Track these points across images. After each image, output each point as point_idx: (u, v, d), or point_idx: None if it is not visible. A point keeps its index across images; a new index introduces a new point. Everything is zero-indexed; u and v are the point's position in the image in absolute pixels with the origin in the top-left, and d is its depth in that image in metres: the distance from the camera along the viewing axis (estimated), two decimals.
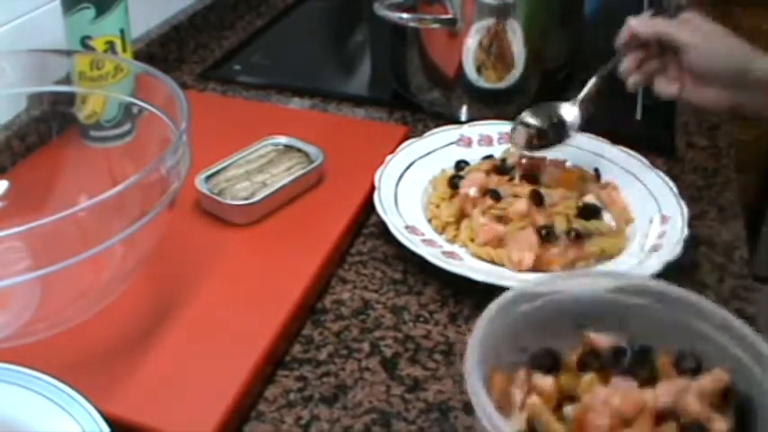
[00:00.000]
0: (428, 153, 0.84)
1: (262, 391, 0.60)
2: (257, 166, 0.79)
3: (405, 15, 0.89)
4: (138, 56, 0.87)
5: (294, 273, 0.68)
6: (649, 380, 0.51)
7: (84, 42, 0.79)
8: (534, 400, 0.50)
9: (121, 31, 0.80)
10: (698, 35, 0.73)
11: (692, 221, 0.74)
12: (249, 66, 1.07)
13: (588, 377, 0.51)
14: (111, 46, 0.80)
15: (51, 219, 0.51)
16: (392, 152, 0.82)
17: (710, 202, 0.82)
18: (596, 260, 0.71)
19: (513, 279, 0.67)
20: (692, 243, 0.71)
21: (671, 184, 0.78)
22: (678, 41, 0.73)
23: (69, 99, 0.81)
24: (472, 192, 0.76)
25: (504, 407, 0.51)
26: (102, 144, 0.83)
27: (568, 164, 0.81)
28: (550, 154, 0.81)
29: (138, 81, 0.74)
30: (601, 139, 0.84)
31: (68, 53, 0.79)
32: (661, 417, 0.49)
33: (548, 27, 0.93)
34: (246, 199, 0.74)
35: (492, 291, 0.66)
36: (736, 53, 0.72)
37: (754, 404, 0.50)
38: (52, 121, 0.83)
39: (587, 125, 0.83)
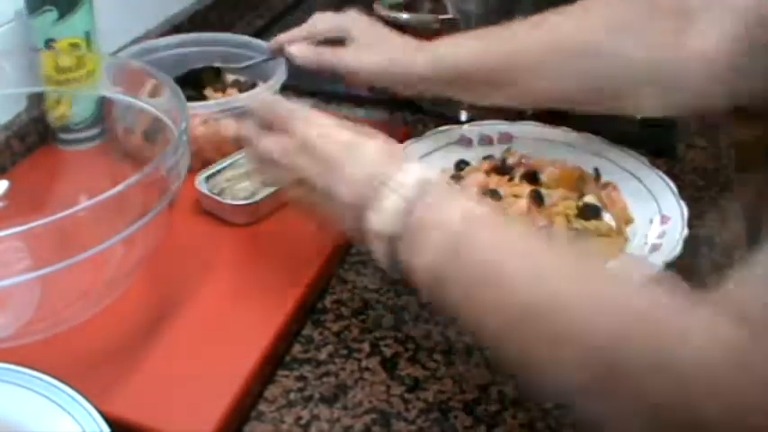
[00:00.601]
0: (428, 153, 0.83)
1: (262, 391, 0.60)
2: None
3: (405, 15, 0.89)
4: None
5: (294, 273, 0.68)
6: None
7: (49, 45, 0.78)
8: None
9: (87, 34, 0.79)
10: (362, 55, 0.77)
11: (692, 221, 0.73)
12: None
13: None
14: (75, 49, 0.79)
15: (51, 219, 0.51)
16: None
17: (710, 202, 0.82)
18: None
19: None
20: (692, 243, 0.71)
21: (671, 184, 0.77)
22: (344, 67, 0.77)
23: None
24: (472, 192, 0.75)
25: None
26: (74, 147, 0.83)
27: (568, 164, 0.81)
28: (550, 154, 0.82)
29: (137, 81, 0.74)
30: (601, 139, 0.84)
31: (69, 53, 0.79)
32: None
33: None
34: (246, 199, 0.74)
35: None
36: (399, 64, 0.76)
37: None
38: None
39: (588, 124, 0.83)
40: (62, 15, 0.77)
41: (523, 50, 0.73)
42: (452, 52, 0.74)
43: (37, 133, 0.83)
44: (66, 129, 0.81)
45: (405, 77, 0.76)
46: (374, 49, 0.77)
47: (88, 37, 0.80)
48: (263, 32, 1.17)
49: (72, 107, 0.80)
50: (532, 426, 0.57)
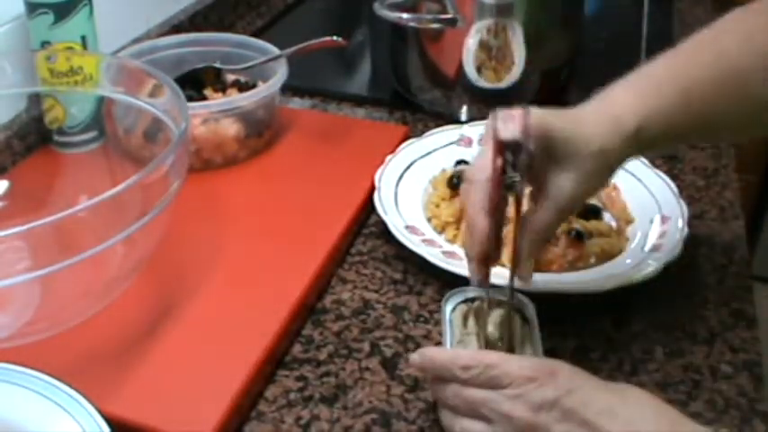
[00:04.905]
0: (428, 153, 0.84)
1: (262, 391, 0.60)
2: None
3: (405, 15, 0.89)
4: None
5: (294, 273, 0.68)
6: None
7: (44, 48, 0.78)
8: None
9: (83, 38, 0.79)
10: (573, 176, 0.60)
11: (692, 221, 0.74)
12: None
13: None
14: (70, 53, 0.78)
15: (51, 219, 0.51)
16: (392, 152, 0.82)
17: (710, 202, 0.82)
18: (596, 260, 0.71)
19: None
20: (691, 243, 0.71)
21: (671, 184, 0.78)
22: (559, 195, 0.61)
23: None
24: None
25: None
26: (70, 150, 0.82)
27: None
28: None
29: (137, 81, 0.74)
30: None
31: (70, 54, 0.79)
32: None
33: (548, 27, 0.93)
34: None
35: None
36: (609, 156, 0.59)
37: None
38: None
39: None
40: (58, 19, 0.76)
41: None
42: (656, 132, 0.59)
43: (37, 133, 0.83)
44: (62, 132, 0.81)
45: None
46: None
47: (85, 42, 0.79)
48: (263, 32, 1.18)
49: (67, 111, 0.80)
50: None
